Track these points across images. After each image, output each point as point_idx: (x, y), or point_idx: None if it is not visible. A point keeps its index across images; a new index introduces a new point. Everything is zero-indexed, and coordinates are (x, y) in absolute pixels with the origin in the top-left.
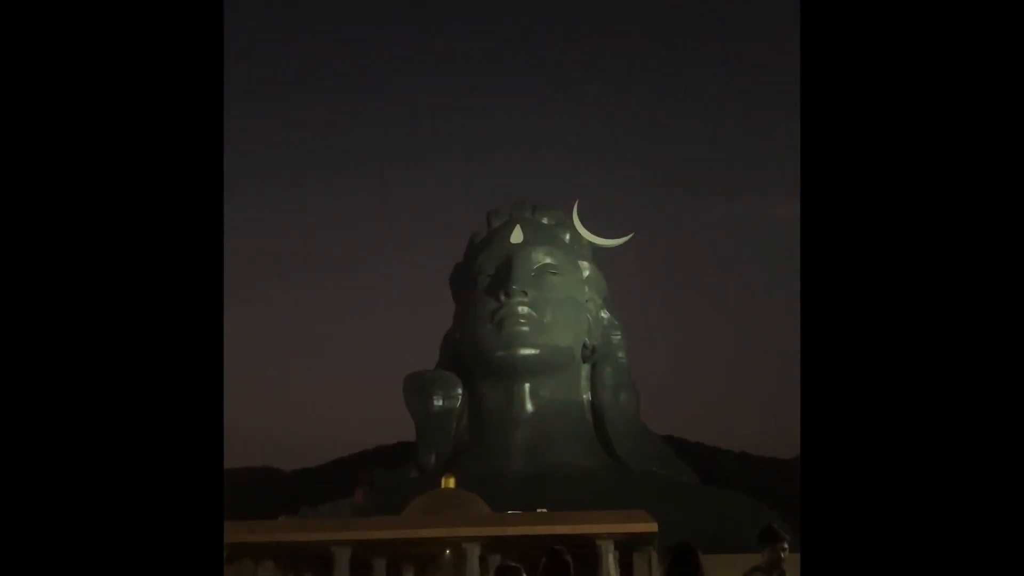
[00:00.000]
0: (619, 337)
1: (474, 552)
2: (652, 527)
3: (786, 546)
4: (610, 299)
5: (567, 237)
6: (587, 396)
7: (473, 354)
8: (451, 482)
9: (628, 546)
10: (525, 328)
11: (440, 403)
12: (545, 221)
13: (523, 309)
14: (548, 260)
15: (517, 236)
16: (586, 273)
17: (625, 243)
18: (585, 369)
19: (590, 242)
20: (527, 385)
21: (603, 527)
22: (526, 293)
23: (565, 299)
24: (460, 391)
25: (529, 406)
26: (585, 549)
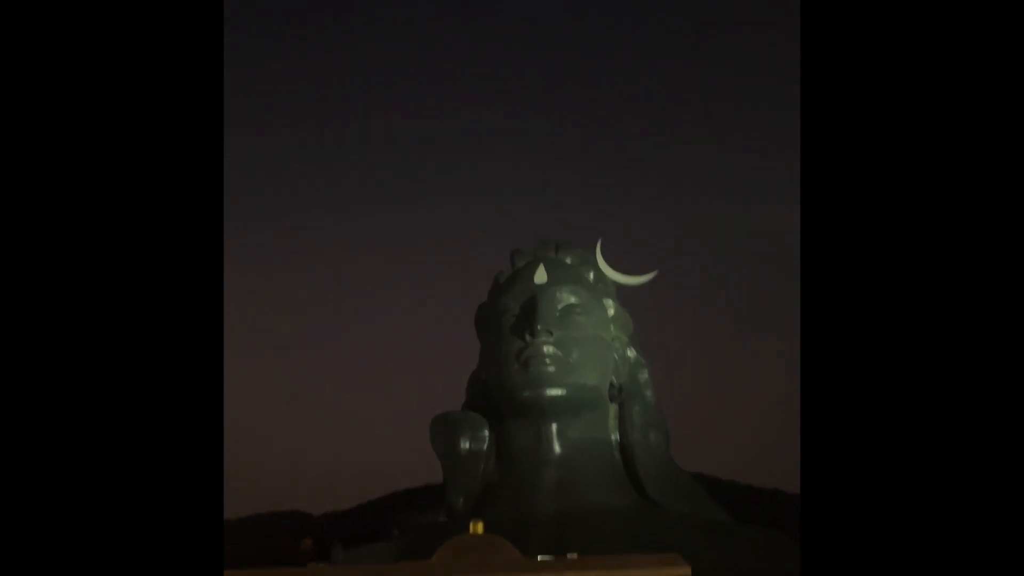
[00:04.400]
0: (646, 375)
1: None
2: (686, 570)
3: None
4: (635, 337)
5: (591, 276)
6: (616, 436)
7: (500, 394)
8: (479, 527)
9: None
10: (551, 368)
11: (467, 445)
12: (569, 260)
13: (549, 349)
14: (573, 299)
15: (541, 276)
16: (611, 312)
17: (650, 280)
18: (613, 408)
19: (614, 280)
20: (555, 425)
21: (636, 572)
22: (551, 333)
23: (591, 338)
24: (487, 432)
25: (557, 446)
26: None
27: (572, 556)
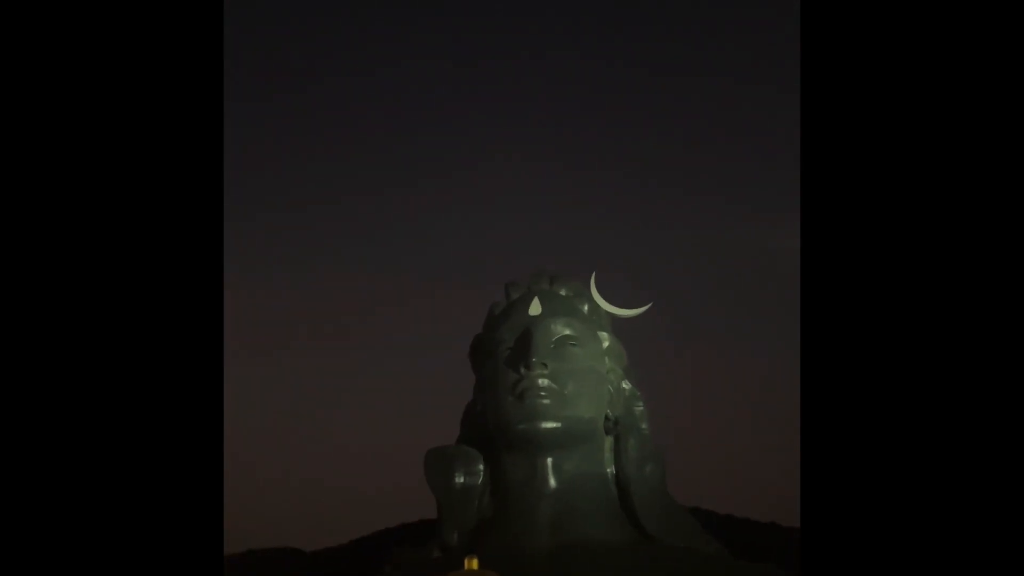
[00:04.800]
0: (641, 407)
1: None
2: None
3: None
4: (630, 369)
5: (585, 308)
6: (611, 469)
7: (494, 427)
8: (474, 563)
9: None
10: (546, 400)
11: (462, 480)
12: (563, 292)
13: (543, 381)
14: (567, 331)
15: (535, 308)
16: (606, 344)
17: (644, 312)
18: (608, 441)
19: (608, 312)
20: (550, 459)
21: None
22: (546, 365)
23: (586, 370)
24: (482, 466)
25: (552, 480)
26: None
27: None
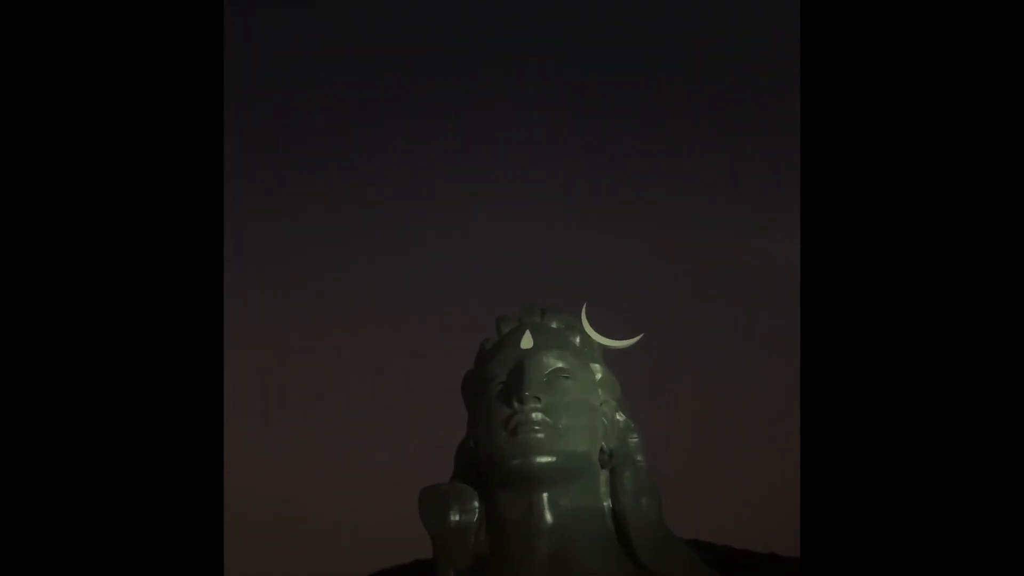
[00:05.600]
0: (636, 439)
1: None
2: None
3: None
4: (624, 401)
5: (577, 340)
6: (607, 503)
7: (488, 463)
8: None
9: None
10: (540, 435)
11: (457, 518)
12: (555, 325)
13: (537, 416)
14: (560, 364)
15: (527, 341)
16: (598, 376)
17: (636, 343)
18: (604, 475)
19: (600, 344)
20: (545, 494)
21: None
22: (539, 399)
23: (579, 403)
24: (476, 504)
25: (548, 516)
26: None
27: None
